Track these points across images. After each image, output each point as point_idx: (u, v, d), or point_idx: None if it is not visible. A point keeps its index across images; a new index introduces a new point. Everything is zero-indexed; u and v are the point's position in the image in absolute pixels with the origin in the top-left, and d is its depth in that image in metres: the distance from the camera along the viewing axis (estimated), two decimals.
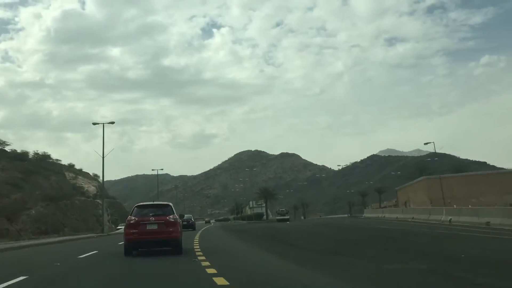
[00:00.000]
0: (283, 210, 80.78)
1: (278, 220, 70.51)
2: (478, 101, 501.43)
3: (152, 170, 78.70)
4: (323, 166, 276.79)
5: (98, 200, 53.75)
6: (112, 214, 59.01)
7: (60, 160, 63.39)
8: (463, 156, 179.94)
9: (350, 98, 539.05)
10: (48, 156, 58.66)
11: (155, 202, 17.93)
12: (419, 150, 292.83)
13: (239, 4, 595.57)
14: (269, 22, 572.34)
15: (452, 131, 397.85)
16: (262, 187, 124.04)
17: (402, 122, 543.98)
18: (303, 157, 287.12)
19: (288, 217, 77.09)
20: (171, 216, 14.36)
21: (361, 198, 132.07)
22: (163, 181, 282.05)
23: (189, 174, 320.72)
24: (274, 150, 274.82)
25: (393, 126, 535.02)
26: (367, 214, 61.00)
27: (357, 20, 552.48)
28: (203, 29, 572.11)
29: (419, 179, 62.57)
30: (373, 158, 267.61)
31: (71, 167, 64.84)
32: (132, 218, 14.21)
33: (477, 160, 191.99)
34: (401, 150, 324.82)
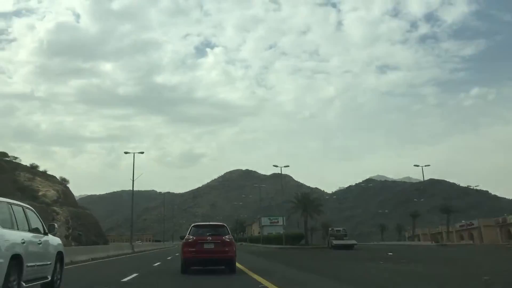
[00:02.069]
0: (339, 230, 51.87)
1: (336, 247, 46.26)
2: (466, 132, 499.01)
3: (125, 152, 63.30)
4: (316, 188, 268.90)
5: (55, 208, 44.30)
6: (75, 228, 45.95)
7: (17, 158, 54.92)
8: (462, 183, 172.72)
9: (340, 124, 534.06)
10: (5, 154, 51.36)
11: (211, 223, 18.29)
12: (409, 178, 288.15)
13: (234, 25, 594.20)
14: (263, 44, 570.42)
15: (440, 159, 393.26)
16: (302, 192, 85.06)
17: (391, 149, 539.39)
18: (296, 179, 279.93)
19: (354, 241, 49.90)
20: (227, 236, 15.02)
21: (412, 219, 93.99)
22: (149, 198, 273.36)
23: (176, 191, 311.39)
24: (265, 170, 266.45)
25: (382, 153, 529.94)
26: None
27: (350, 46, 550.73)
28: (196, 48, 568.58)
29: None
30: (368, 182, 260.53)
31: (33, 168, 55.53)
32: (190, 237, 14.87)
33: (480, 189, 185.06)
34: (391, 177, 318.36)
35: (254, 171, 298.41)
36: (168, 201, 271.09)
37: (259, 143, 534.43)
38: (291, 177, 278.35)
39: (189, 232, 15.23)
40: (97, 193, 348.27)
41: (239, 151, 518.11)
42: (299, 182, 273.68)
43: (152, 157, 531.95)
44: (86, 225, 47.11)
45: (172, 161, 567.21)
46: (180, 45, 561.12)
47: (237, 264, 15.92)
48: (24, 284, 7.72)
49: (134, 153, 47.06)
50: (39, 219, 9.38)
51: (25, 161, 55.57)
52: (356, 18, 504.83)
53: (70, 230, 43.45)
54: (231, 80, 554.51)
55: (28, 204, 10.05)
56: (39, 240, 8.83)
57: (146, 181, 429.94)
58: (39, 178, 50.41)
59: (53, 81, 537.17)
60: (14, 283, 7.29)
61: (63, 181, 56.30)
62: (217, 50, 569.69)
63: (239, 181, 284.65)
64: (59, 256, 9.99)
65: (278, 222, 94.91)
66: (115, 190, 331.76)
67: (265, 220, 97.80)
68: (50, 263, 9.32)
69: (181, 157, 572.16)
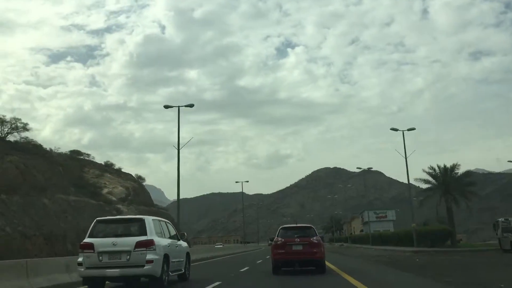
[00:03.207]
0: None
1: None
2: None
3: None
4: (411, 184, 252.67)
5: (120, 206, 38.86)
6: None
7: (89, 156, 54.14)
8: None
9: (430, 116, 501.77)
10: (79, 152, 51.20)
11: (298, 225, 19.06)
12: None
13: (313, 23, 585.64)
14: (344, 40, 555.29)
15: None
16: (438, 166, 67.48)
17: (489, 140, 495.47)
18: (387, 175, 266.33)
19: None
20: (314, 238, 15.24)
21: None
22: (239, 200, 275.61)
23: (264, 192, 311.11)
24: (354, 167, 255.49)
25: (479, 145, 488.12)
26: None
27: (438, 34, 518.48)
28: (277, 49, 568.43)
29: None
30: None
31: (107, 166, 54.13)
32: (279, 239, 15.34)
33: None
34: (491, 170, 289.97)
35: (343, 169, 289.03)
36: (256, 202, 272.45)
37: (346, 140, 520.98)
38: (381, 173, 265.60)
39: (277, 234, 15.72)
40: (188, 196, 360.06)
41: (325, 150, 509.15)
42: (391, 178, 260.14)
43: (240, 161, 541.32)
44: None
45: (258, 163, 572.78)
46: (261, 47, 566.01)
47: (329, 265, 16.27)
48: (170, 273, 12.00)
49: (179, 106, 35.50)
50: (174, 229, 13.94)
51: (124, 166, 55.50)
52: (442, 4, 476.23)
53: None
54: (313, 78, 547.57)
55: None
56: (176, 244, 13.11)
57: (235, 184, 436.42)
58: (109, 175, 48.08)
59: (143, 91, 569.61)
60: (166, 272, 11.48)
61: (139, 179, 54.19)
62: (298, 49, 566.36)
63: (327, 180, 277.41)
64: (187, 255, 14.30)
65: (385, 217, 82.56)
66: (205, 193, 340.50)
67: (370, 215, 79.79)
68: (183, 260, 13.62)
69: (268, 159, 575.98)
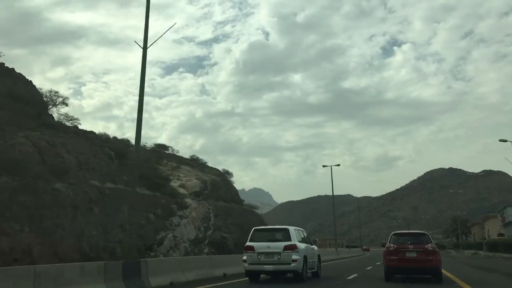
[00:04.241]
0: None
1: None
2: None
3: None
4: None
5: (189, 200, 32.15)
6: (219, 228, 32.22)
7: (177, 151, 49.55)
8: None
9: None
10: (165, 146, 48.25)
11: (411, 231, 18.91)
12: None
13: (421, 17, 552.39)
14: (457, 33, 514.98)
15: None
16: None
17: None
18: None
19: None
20: (429, 245, 14.79)
21: None
22: (345, 202, 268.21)
23: (373, 195, 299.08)
24: (472, 168, 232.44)
25: None
26: None
27: None
28: (383, 48, 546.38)
29: None
30: None
31: (193, 160, 48.03)
32: (391, 246, 15.13)
33: None
34: None
35: (459, 169, 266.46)
36: (364, 205, 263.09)
37: (461, 140, 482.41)
38: (507, 174, 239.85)
39: (389, 240, 15.54)
40: (295, 199, 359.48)
41: (438, 151, 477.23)
42: None
43: (347, 163, 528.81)
44: (242, 226, 34.32)
45: (366, 165, 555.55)
46: (365, 47, 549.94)
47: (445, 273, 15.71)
48: (308, 271, 15.95)
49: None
50: (308, 236, 17.64)
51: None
52: None
53: (210, 231, 31.38)
54: (422, 76, 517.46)
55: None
56: (311, 248, 16.90)
57: (342, 185, 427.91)
58: (186, 167, 42.15)
59: (250, 97, 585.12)
60: (305, 270, 15.18)
61: (226, 174, 50.02)
62: (405, 47, 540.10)
63: (442, 181, 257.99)
64: (319, 257, 17.95)
65: None
66: (312, 196, 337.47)
67: None
68: (316, 261, 17.26)
69: (376, 161, 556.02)
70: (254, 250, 14.67)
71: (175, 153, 49.28)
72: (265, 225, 25.89)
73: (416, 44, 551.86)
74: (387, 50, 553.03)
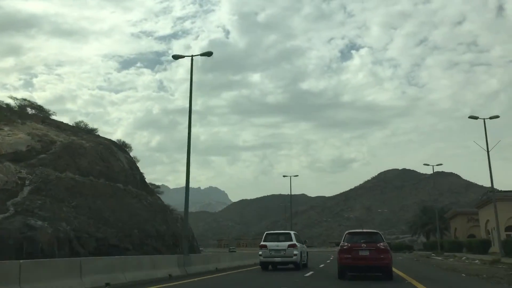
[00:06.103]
0: None
1: None
2: None
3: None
4: (495, 189, 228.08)
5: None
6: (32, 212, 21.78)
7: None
8: None
9: (508, 119, 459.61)
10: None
11: (364, 230, 18.90)
12: None
13: (379, 23, 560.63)
14: (412, 40, 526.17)
15: None
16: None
17: None
18: (464, 177, 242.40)
19: None
20: (381, 244, 15.13)
21: None
22: (298, 202, 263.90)
23: (327, 195, 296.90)
24: (426, 169, 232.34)
25: None
26: None
27: None
28: (341, 51, 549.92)
29: None
30: None
31: (46, 115, 33.80)
32: (345, 244, 15.38)
33: None
34: None
35: (412, 170, 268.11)
36: (318, 205, 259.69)
37: (414, 144, 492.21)
38: (457, 175, 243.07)
39: (343, 239, 15.78)
40: (249, 197, 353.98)
41: (392, 154, 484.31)
42: (468, 181, 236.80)
43: (303, 164, 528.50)
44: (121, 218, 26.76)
45: (322, 167, 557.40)
46: (324, 50, 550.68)
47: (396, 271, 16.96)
48: (302, 262, 22.63)
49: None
50: (300, 237, 24.50)
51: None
52: None
53: (6, 213, 21.05)
54: (379, 81, 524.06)
55: None
56: (303, 246, 23.64)
57: (297, 185, 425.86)
58: (29, 123, 28.77)
59: (208, 95, 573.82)
60: (301, 262, 22.10)
61: (123, 145, 38.16)
62: (362, 51, 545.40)
63: (395, 182, 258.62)
64: (307, 253, 24.61)
65: None
66: (266, 195, 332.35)
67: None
68: (306, 256, 23.84)
69: (332, 162, 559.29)
70: (267, 248, 21.44)
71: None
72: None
73: (373, 48, 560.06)
74: (345, 54, 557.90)
